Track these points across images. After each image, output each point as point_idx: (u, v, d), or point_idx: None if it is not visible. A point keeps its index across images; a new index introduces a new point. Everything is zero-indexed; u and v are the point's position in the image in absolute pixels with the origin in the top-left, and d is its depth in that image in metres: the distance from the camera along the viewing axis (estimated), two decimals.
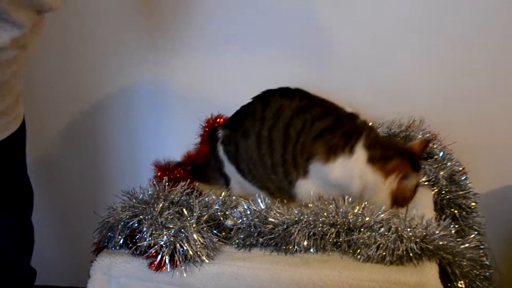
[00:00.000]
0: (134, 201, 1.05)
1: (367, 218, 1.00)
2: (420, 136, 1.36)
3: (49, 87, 1.78)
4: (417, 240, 0.95)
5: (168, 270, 0.98)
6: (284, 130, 1.10)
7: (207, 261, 0.99)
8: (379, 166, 1.06)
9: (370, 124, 1.17)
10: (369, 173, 1.05)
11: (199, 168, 1.30)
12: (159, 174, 1.20)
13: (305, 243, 1.01)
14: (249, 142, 1.15)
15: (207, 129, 1.41)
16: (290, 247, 1.01)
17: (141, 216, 1.01)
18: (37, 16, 0.94)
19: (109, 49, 1.69)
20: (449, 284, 1.01)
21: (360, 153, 1.06)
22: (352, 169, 1.06)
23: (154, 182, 1.10)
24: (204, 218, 1.03)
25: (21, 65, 1.00)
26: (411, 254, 0.94)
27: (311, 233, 1.01)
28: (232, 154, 1.19)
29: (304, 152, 1.09)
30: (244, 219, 1.04)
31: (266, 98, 1.18)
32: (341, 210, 1.01)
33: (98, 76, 1.73)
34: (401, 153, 1.08)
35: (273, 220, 1.02)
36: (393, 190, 1.05)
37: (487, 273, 1.09)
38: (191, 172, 1.28)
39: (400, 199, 1.06)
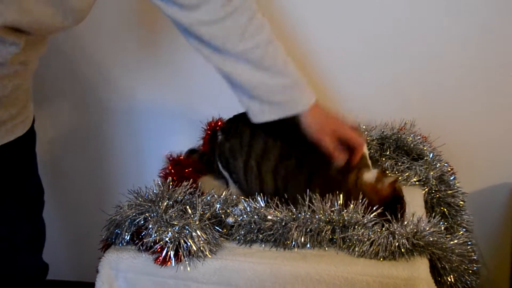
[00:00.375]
0: (140, 199, 1.07)
1: (361, 216, 1.03)
2: (410, 138, 1.40)
3: (55, 89, 1.80)
4: (409, 236, 0.98)
5: (173, 264, 1.00)
6: (272, 175, 1.15)
7: (209, 256, 1.02)
8: None
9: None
10: None
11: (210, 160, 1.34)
12: (169, 167, 1.24)
13: (302, 239, 1.03)
14: (236, 164, 1.19)
15: (208, 132, 1.44)
16: (288, 243, 1.04)
17: (146, 214, 1.04)
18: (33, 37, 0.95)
19: (113, 51, 1.71)
20: (439, 278, 1.04)
21: None
22: None
23: (159, 182, 1.14)
24: (207, 215, 1.06)
25: (24, 80, 1.02)
26: (403, 250, 0.97)
27: (308, 229, 1.04)
28: (224, 163, 1.23)
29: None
30: (245, 216, 1.07)
31: (254, 125, 1.16)
32: (336, 208, 1.05)
33: (102, 78, 1.75)
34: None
35: (271, 217, 1.05)
36: None
37: (475, 268, 1.12)
38: (204, 162, 1.33)
39: None
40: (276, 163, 1.15)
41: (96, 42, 1.71)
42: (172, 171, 1.27)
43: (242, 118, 1.21)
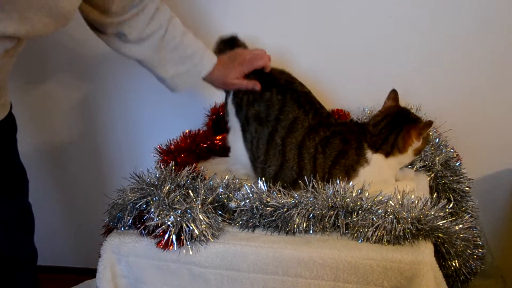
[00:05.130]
0: (142, 183, 1.07)
1: (365, 201, 1.02)
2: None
3: (57, 84, 1.81)
4: (414, 221, 0.98)
5: (175, 248, 1.00)
6: (298, 150, 1.14)
7: (212, 240, 1.02)
8: (396, 151, 1.15)
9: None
10: (394, 162, 1.16)
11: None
12: (165, 158, 1.24)
13: (305, 225, 1.03)
14: (259, 130, 1.18)
15: (213, 117, 1.44)
16: (290, 229, 1.03)
17: (149, 198, 1.04)
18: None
19: None
20: (443, 263, 1.04)
21: (375, 158, 1.14)
22: (379, 173, 1.14)
23: (161, 166, 1.13)
24: (209, 200, 1.06)
25: (7, 72, 1.04)
26: (407, 234, 0.97)
27: (311, 215, 1.03)
28: (241, 114, 1.22)
29: (323, 175, 1.13)
30: (247, 201, 1.06)
31: (284, 97, 1.18)
32: (339, 192, 1.04)
33: (101, 65, 1.75)
34: (395, 127, 1.15)
35: (273, 203, 1.05)
36: (416, 149, 1.16)
37: (480, 253, 1.11)
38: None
39: (422, 148, 1.19)
40: (303, 136, 1.15)
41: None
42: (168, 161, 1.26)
43: (277, 84, 1.21)
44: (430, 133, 1.23)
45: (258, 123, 1.19)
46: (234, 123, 1.26)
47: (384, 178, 1.14)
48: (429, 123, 1.13)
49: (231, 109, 1.26)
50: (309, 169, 1.13)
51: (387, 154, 1.15)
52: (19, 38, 0.96)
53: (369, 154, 1.14)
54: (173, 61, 1.22)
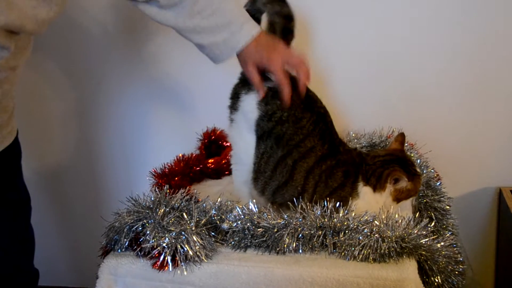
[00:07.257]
0: (138, 206, 1.10)
1: (352, 221, 1.06)
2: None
3: (55, 111, 1.85)
4: (398, 240, 1.02)
5: (170, 269, 1.03)
6: (306, 174, 1.16)
7: (205, 260, 1.05)
8: (378, 186, 1.17)
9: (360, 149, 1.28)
10: (380, 200, 1.17)
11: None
12: (159, 181, 1.27)
13: (294, 244, 1.07)
14: (274, 149, 1.17)
15: (205, 141, 1.47)
16: (281, 249, 1.07)
17: (144, 220, 1.07)
18: (20, 37, 0.98)
19: (106, 61, 1.74)
20: (426, 279, 1.08)
21: (364, 191, 1.16)
22: (368, 206, 1.15)
23: (156, 190, 1.16)
24: (203, 222, 1.09)
25: (11, 85, 1.06)
26: (392, 253, 1.01)
27: (300, 235, 1.07)
28: (265, 125, 1.18)
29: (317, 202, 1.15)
30: (239, 222, 1.10)
31: (314, 129, 1.17)
32: (327, 213, 1.08)
33: (98, 91, 1.78)
34: (388, 163, 1.18)
35: (264, 224, 1.08)
36: (393, 195, 1.17)
37: (461, 269, 1.15)
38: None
39: (401, 198, 1.19)
40: (314, 163, 1.16)
41: (89, 52, 1.74)
42: (162, 184, 1.30)
43: (315, 112, 1.19)
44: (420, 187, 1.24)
45: (276, 143, 1.17)
46: (244, 122, 1.21)
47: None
48: (400, 180, 1.16)
49: (251, 108, 1.20)
50: (310, 193, 1.16)
51: (374, 188, 1.16)
52: (15, 43, 0.94)
53: (360, 186, 1.16)
54: (209, 28, 1.12)
